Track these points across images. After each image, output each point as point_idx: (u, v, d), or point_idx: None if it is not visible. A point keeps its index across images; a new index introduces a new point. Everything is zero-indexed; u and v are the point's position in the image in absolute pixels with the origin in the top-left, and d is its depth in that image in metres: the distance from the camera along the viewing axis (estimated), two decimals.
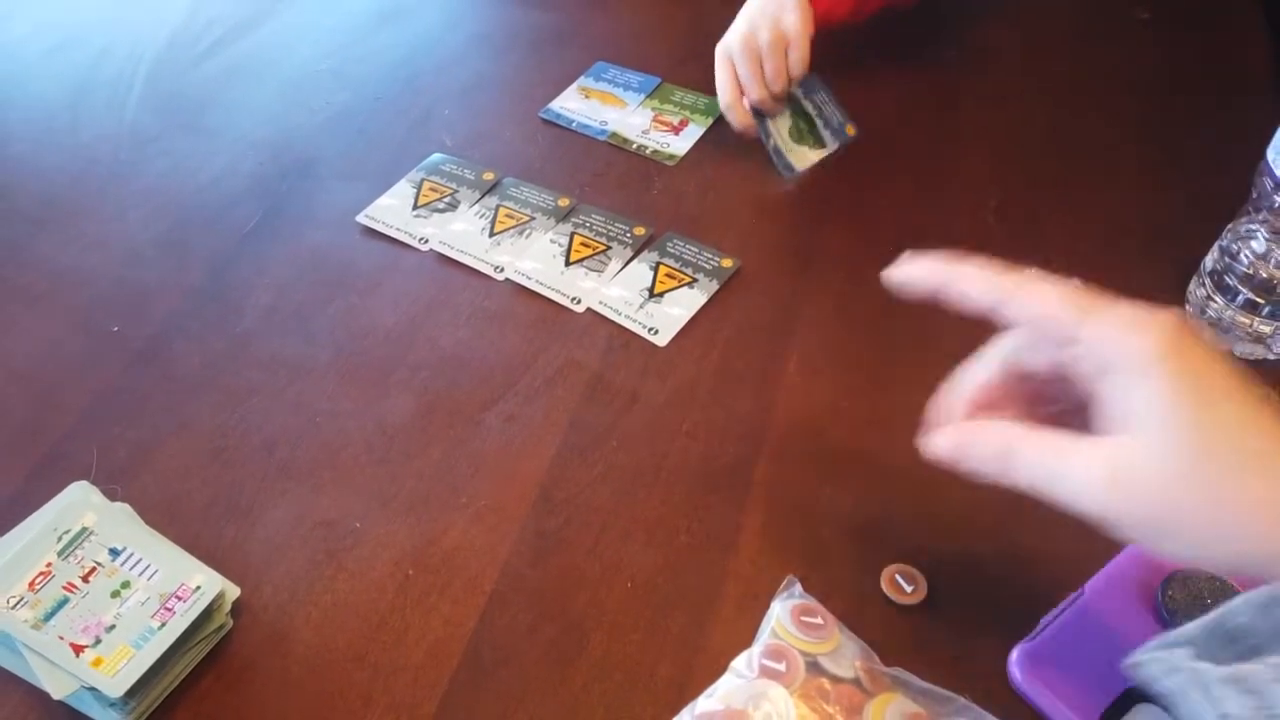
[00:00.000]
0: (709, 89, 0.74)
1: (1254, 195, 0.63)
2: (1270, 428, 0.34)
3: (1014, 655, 0.46)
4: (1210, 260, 0.61)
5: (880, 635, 0.47)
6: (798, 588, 0.49)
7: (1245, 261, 0.59)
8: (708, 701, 0.44)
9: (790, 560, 0.50)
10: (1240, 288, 0.59)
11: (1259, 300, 0.59)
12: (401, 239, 0.68)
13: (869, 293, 0.48)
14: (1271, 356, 0.61)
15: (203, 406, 0.58)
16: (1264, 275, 0.58)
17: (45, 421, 0.57)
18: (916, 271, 0.41)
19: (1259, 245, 0.59)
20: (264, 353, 0.62)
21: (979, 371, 0.42)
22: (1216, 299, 0.61)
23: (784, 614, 0.47)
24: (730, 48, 0.71)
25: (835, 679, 0.45)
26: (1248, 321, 0.60)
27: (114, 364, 0.61)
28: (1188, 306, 0.63)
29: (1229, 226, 0.61)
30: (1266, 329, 0.59)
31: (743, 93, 0.71)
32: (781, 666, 0.45)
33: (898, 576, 0.50)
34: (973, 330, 0.41)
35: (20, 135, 0.79)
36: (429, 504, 0.54)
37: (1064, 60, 0.85)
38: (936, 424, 0.42)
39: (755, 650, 0.46)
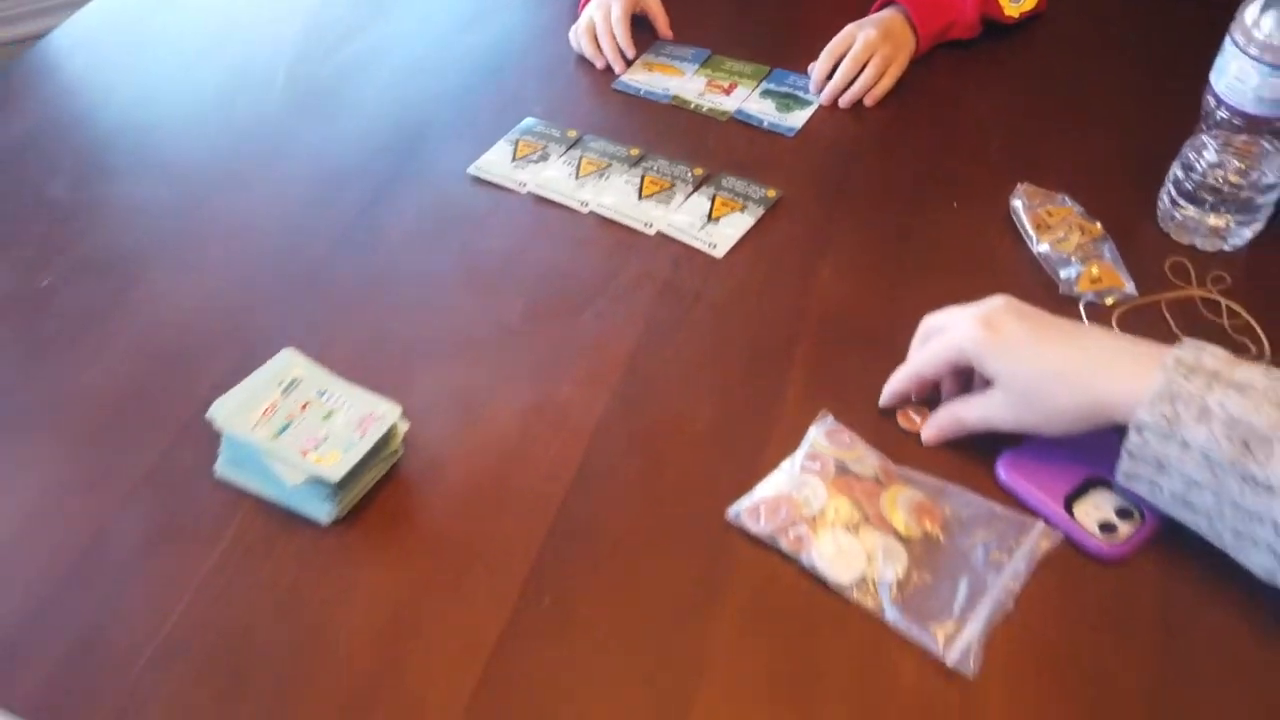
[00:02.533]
0: (753, 58, 0.89)
1: (1204, 112, 0.75)
2: (1056, 347, 0.56)
3: (1000, 460, 0.60)
4: (1174, 171, 0.74)
5: (894, 453, 0.61)
6: (830, 418, 0.63)
7: (1200, 170, 0.72)
8: (763, 488, 0.59)
9: (823, 407, 0.65)
10: (1198, 192, 0.72)
11: (1212, 199, 0.72)
12: (504, 184, 0.84)
13: (888, 217, 0.63)
14: (1227, 248, 0.73)
15: (364, 312, 0.74)
16: (1215, 181, 0.71)
17: (248, 324, 0.74)
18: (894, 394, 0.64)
19: (1210, 155, 0.72)
20: (405, 273, 0.78)
21: (924, 371, 0.62)
22: (1180, 203, 0.74)
23: (819, 434, 0.62)
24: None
25: (858, 476, 0.60)
26: (1206, 220, 0.73)
27: (290, 287, 0.77)
28: (1160, 210, 0.76)
29: (1188, 140, 0.74)
30: (1221, 223, 0.72)
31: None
32: (817, 466, 0.60)
33: (911, 412, 0.64)
34: (966, 242, 0.55)
35: (190, 114, 0.96)
36: (541, 375, 0.69)
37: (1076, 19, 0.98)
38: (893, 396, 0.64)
39: (798, 455, 0.61)
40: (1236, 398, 0.50)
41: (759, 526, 0.58)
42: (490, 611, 0.56)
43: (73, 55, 1.06)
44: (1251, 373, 0.52)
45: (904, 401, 0.64)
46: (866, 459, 0.61)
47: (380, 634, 0.56)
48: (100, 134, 0.95)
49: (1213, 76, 0.73)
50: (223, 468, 0.63)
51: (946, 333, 0.60)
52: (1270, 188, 0.70)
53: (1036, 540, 0.56)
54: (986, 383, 0.59)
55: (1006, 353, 0.57)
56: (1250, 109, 0.67)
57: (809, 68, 0.92)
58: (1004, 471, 0.60)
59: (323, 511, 0.60)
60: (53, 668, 0.55)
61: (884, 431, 0.63)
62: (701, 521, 0.60)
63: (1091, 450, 0.59)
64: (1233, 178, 0.70)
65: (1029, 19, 0.97)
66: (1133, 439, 0.53)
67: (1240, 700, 0.51)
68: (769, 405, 0.66)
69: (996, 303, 0.59)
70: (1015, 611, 0.54)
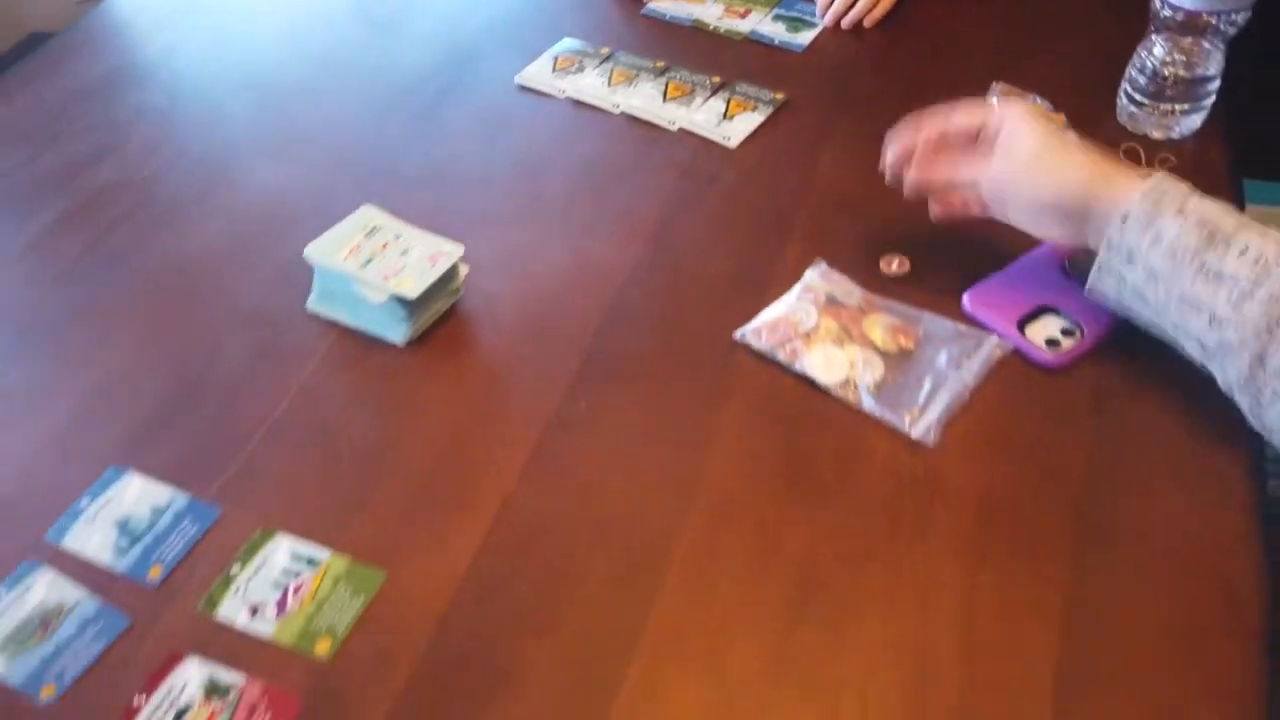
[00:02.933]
0: None
1: (1152, 14, 0.85)
2: (1057, 156, 0.65)
3: (965, 294, 0.72)
4: (1129, 70, 0.85)
5: (877, 292, 0.73)
6: (824, 264, 0.75)
7: (1150, 67, 0.83)
8: (765, 314, 0.71)
9: (820, 259, 0.76)
10: (1149, 87, 0.83)
11: (1160, 92, 0.82)
12: (546, 91, 0.96)
13: (881, 116, 0.74)
14: (1175, 136, 0.84)
15: (428, 193, 0.86)
16: (1163, 75, 0.82)
17: (328, 202, 0.86)
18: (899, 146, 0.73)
19: (1159, 53, 0.82)
20: (462, 163, 0.90)
21: (930, 130, 0.71)
22: (1135, 98, 0.84)
23: (814, 275, 0.73)
24: None
25: (845, 305, 0.71)
26: (1156, 110, 0.83)
27: (362, 174, 0.89)
28: (1118, 106, 0.86)
29: (1141, 42, 0.84)
30: (1169, 112, 0.83)
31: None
32: (810, 296, 0.72)
33: (895, 261, 0.75)
34: None
35: (270, 41, 1.09)
36: (578, 238, 0.81)
37: None
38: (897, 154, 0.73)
39: (795, 289, 0.72)
40: (1210, 204, 0.60)
41: (761, 343, 0.70)
42: (536, 412, 0.68)
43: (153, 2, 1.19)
44: (1213, 207, 0.61)
45: (904, 158, 0.72)
46: (853, 292, 0.72)
47: (447, 426, 0.68)
48: (189, 60, 1.08)
49: None
50: (314, 302, 0.76)
51: (989, 105, 0.70)
52: (1210, 79, 0.81)
53: (991, 350, 0.68)
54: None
55: (1033, 127, 0.66)
56: (1189, 6, 0.78)
57: None
58: (968, 302, 0.71)
59: (398, 333, 0.72)
60: (185, 444, 0.68)
61: (869, 278, 0.75)
62: (713, 343, 0.71)
63: (1044, 286, 0.70)
64: (1180, 72, 0.81)
65: None
66: (1114, 230, 0.61)
67: (1159, 463, 0.63)
68: (772, 259, 0.77)
69: (1019, 104, 0.71)
70: (970, 403, 0.66)
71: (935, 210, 0.74)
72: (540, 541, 0.61)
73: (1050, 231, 0.68)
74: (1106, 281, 0.64)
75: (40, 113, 0.99)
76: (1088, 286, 0.65)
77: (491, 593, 0.59)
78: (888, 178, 0.74)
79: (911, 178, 0.72)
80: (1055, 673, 0.53)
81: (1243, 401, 0.58)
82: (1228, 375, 0.59)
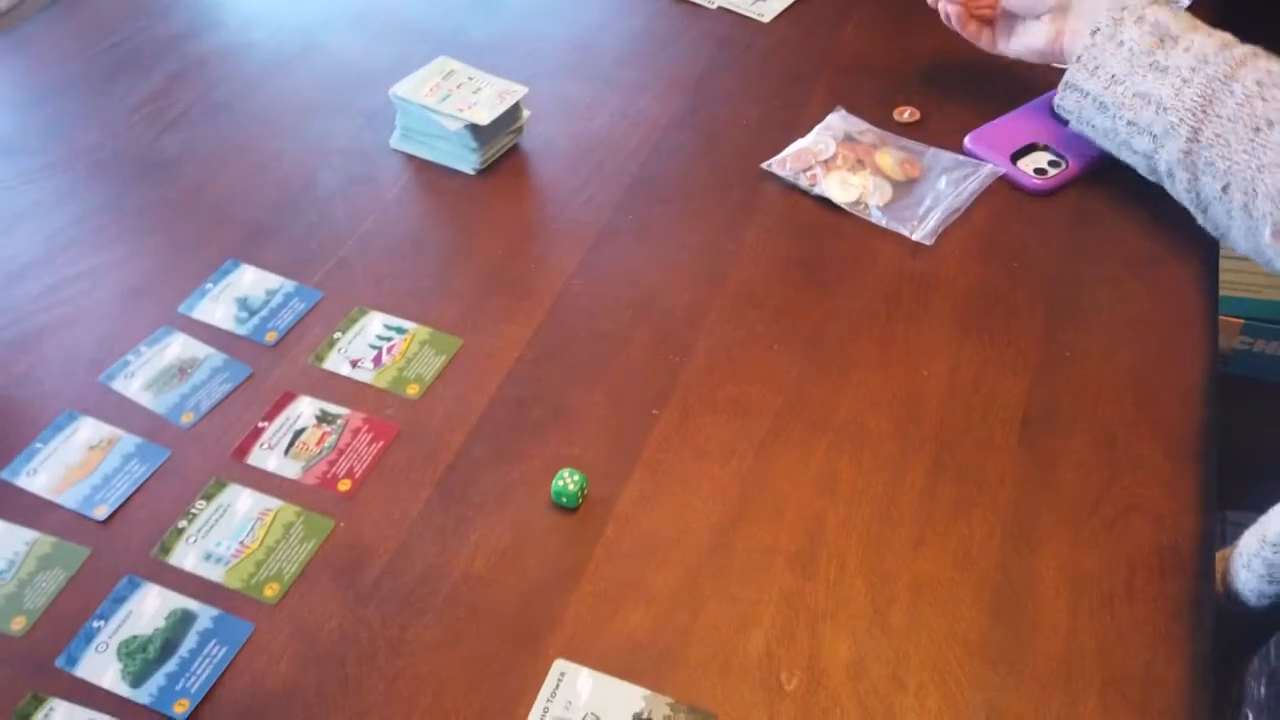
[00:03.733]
0: None
1: None
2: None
3: (967, 137, 0.81)
4: None
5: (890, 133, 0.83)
6: (843, 110, 0.84)
7: None
8: (789, 148, 0.81)
9: (840, 106, 0.86)
10: None
11: None
12: None
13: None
14: None
15: (492, 59, 0.97)
16: None
17: (403, 63, 0.97)
18: None
19: None
20: (523, 36, 1.00)
21: None
22: None
23: (834, 117, 0.83)
24: None
25: (860, 141, 0.81)
26: None
27: (433, 44, 1.00)
28: None
29: None
30: None
31: None
32: (829, 132, 0.82)
33: (906, 111, 0.85)
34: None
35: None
36: (625, 92, 0.91)
37: None
38: None
39: (816, 127, 0.82)
40: (1166, 13, 0.69)
41: (785, 171, 0.80)
42: (589, 223, 0.79)
43: None
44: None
45: None
46: (868, 131, 0.82)
47: (512, 233, 0.79)
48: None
49: None
50: (396, 140, 0.87)
51: None
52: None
53: (986, 175, 0.77)
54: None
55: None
56: None
57: None
58: (969, 141, 0.81)
59: (469, 163, 0.84)
60: (288, 245, 0.79)
61: (883, 124, 0.84)
62: (743, 172, 0.82)
63: (1036, 127, 0.80)
64: None
65: None
66: (1083, 45, 0.71)
67: (1124, 264, 0.72)
68: (797, 109, 0.87)
69: None
70: (966, 217, 0.76)
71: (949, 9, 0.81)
72: (591, 317, 0.72)
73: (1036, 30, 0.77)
74: (1070, 98, 0.73)
75: None
76: (1055, 102, 0.75)
77: (549, 354, 0.70)
78: None
79: None
80: (1023, 416, 0.64)
81: (1181, 179, 0.67)
82: (1170, 157, 0.67)
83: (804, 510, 0.60)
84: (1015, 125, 0.81)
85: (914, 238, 0.74)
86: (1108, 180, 0.77)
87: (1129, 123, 0.69)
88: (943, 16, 0.82)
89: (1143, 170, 0.71)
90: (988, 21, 0.81)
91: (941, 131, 0.83)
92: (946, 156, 0.79)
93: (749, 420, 0.65)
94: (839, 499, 0.60)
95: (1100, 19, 0.70)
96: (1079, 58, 0.71)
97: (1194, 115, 0.64)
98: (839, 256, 0.75)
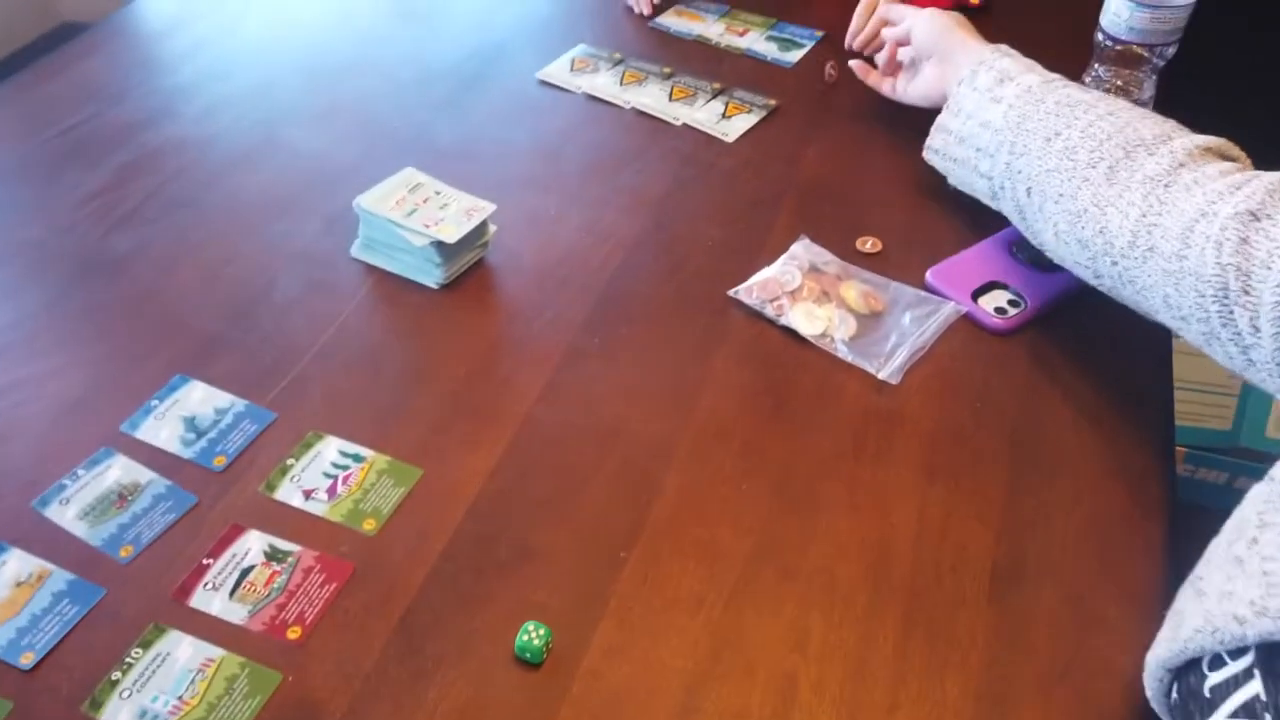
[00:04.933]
0: (763, 12, 1.12)
1: (1096, 46, 0.97)
2: (968, 51, 0.87)
3: (929, 272, 0.83)
4: None
5: (853, 264, 0.84)
6: (807, 239, 0.85)
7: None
8: (755, 276, 0.81)
9: (803, 234, 0.87)
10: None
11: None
12: (564, 87, 1.07)
13: (859, 125, 0.86)
14: None
15: (457, 163, 0.96)
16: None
17: (370, 161, 0.95)
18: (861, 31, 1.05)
19: (1101, 77, 0.95)
20: (488, 140, 1.00)
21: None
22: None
23: (799, 246, 0.84)
24: None
25: (824, 273, 0.82)
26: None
27: (399, 141, 0.99)
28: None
29: (1085, 71, 0.97)
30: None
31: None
32: (795, 262, 0.82)
33: (868, 241, 0.86)
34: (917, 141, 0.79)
35: (317, 26, 1.19)
36: (590, 207, 0.91)
37: None
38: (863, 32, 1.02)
39: (782, 257, 0.83)
40: (1011, 62, 0.83)
41: (751, 299, 0.80)
42: (553, 345, 0.78)
43: None
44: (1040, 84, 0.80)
45: (869, 43, 1.05)
46: (832, 262, 0.83)
47: (475, 353, 0.78)
48: (244, 38, 1.17)
49: (1101, 16, 0.96)
50: (358, 249, 0.85)
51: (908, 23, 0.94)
52: (1144, 104, 0.93)
53: (948, 314, 0.79)
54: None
55: (945, 43, 0.89)
56: (1124, 36, 0.90)
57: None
58: (930, 276, 0.82)
59: (433, 277, 0.82)
60: (241, 359, 0.76)
61: (846, 254, 0.86)
62: (709, 298, 0.82)
63: (994, 266, 0.82)
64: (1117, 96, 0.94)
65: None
66: (951, 91, 0.85)
67: (1082, 408, 0.74)
68: (762, 233, 0.88)
69: (940, 14, 0.93)
70: (929, 355, 0.77)
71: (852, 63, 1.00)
72: (557, 448, 0.70)
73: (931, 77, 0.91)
74: (938, 138, 0.87)
75: (102, 78, 1.08)
76: (926, 144, 0.88)
77: (514, 485, 0.68)
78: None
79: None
80: (991, 568, 0.64)
81: (1006, 190, 0.79)
82: (998, 171, 0.79)
83: (775, 669, 0.58)
84: (974, 262, 0.83)
85: (880, 376, 0.74)
86: (1064, 320, 0.79)
87: (976, 149, 0.82)
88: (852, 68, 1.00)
89: (985, 196, 0.83)
90: (889, 73, 0.99)
91: (903, 263, 0.84)
92: (909, 292, 0.81)
93: (718, 566, 0.63)
94: (810, 657, 0.59)
95: (963, 71, 0.84)
96: (948, 104, 0.85)
97: (1011, 130, 0.77)
98: (806, 390, 0.75)
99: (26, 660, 0.57)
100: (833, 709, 0.56)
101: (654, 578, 0.63)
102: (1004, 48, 0.86)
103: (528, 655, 0.57)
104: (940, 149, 0.86)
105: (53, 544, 0.63)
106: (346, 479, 0.68)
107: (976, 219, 0.89)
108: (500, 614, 0.60)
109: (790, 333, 0.78)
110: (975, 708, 0.56)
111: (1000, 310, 0.79)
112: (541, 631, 0.58)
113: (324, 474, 0.68)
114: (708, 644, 0.59)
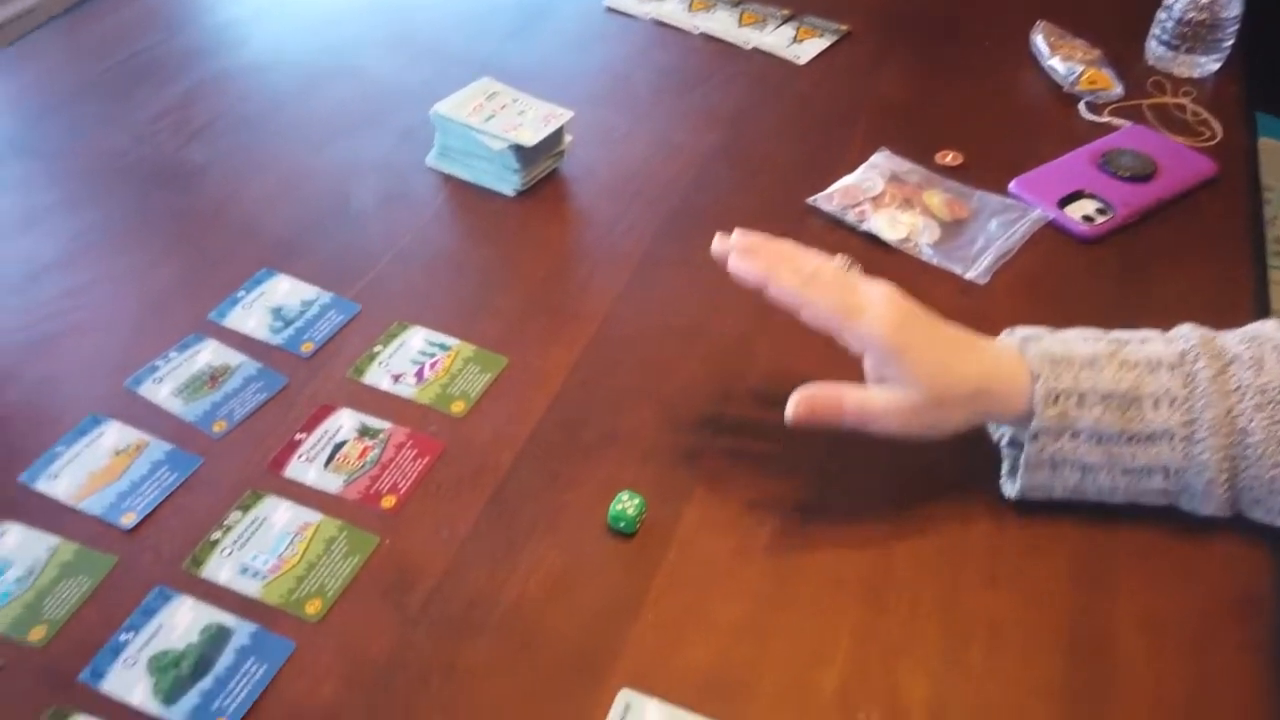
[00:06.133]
0: None
1: None
2: (960, 363, 0.56)
3: (1013, 183, 0.81)
4: (1159, 14, 0.95)
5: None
6: (887, 150, 0.84)
7: (1176, 11, 0.93)
8: (836, 184, 0.81)
9: (882, 147, 0.86)
10: (1175, 29, 0.94)
11: (1186, 35, 0.93)
12: (633, 14, 1.06)
13: (932, 47, 0.84)
14: (1196, 74, 0.95)
15: (530, 86, 0.96)
16: (1188, 19, 0.93)
17: (442, 82, 0.96)
18: (742, 269, 0.59)
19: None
20: (559, 68, 1.00)
21: (809, 311, 0.58)
22: (1163, 38, 0.95)
23: (878, 157, 0.83)
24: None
25: (906, 182, 0.81)
26: (1180, 49, 0.94)
27: (470, 68, 0.99)
28: (1148, 48, 0.97)
29: None
30: (1192, 54, 0.94)
31: None
32: (876, 171, 0.81)
33: (948, 155, 0.85)
34: (993, 63, 0.77)
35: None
36: (663, 125, 0.91)
37: None
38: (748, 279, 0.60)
39: (862, 166, 0.82)
40: (1091, 373, 0.55)
41: (831, 206, 0.79)
42: (630, 250, 0.78)
43: None
44: (1076, 342, 0.57)
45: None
46: (914, 171, 0.82)
47: (553, 256, 0.78)
48: None
49: None
50: (433, 159, 0.85)
51: (856, 301, 0.57)
52: (1230, 22, 0.91)
53: (1035, 220, 0.77)
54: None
55: (916, 369, 0.55)
56: None
57: None
58: (1015, 186, 0.81)
59: (510, 184, 0.82)
60: (323, 259, 0.77)
61: (930, 167, 0.85)
62: (786, 207, 0.81)
63: (1082, 176, 0.81)
64: (1203, 16, 0.92)
65: None
66: (1030, 450, 0.56)
67: (1171, 312, 0.72)
68: (838, 150, 0.87)
69: (893, 294, 0.57)
70: (1015, 260, 0.75)
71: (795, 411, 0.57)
72: (639, 344, 0.70)
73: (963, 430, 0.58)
74: (1038, 488, 0.58)
75: (171, 7, 1.09)
76: (1021, 491, 0.58)
77: (598, 377, 0.68)
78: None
79: (792, 413, 0.57)
80: None
81: (1253, 511, 0.56)
82: (1210, 500, 0.56)
83: (871, 538, 0.58)
84: (1060, 173, 0.82)
85: (967, 276, 0.73)
86: (1156, 230, 0.78)
87: (1129, 494, 0.57)
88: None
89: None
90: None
91: (984, 176, 0.83)
92: (994, 200, 0.79)
93: (808, 442, 0.63)
94: (907, 528, 0.58)
95: (1038, 422, 0.55)
96: (1027, 464, 0.56)
97: (1222, 461, 0.54)
98: None
99: (128, 520, 0.58)
100: (931, 580, 0.56)
101: (745, 453, 0.62)
102: (1037, 349, 0.57)
103: (621, 525, 0.57)
104: (1060, 493, 0.58)
105: (148, 418, 0.64)
106: (434, 365, 0.68)
107: (1060, 133, 0.88)
108: (590, 491, 0.60)
109: (872, 239, 0.78)
110: (1075, 583, 0.56)
111: (1088, 218, 0.78)
112: (636, 501, 0.57)
113: (411, 360, 0.68)
114: (800, 515, 0.59)
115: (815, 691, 0.51)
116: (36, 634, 0.53)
